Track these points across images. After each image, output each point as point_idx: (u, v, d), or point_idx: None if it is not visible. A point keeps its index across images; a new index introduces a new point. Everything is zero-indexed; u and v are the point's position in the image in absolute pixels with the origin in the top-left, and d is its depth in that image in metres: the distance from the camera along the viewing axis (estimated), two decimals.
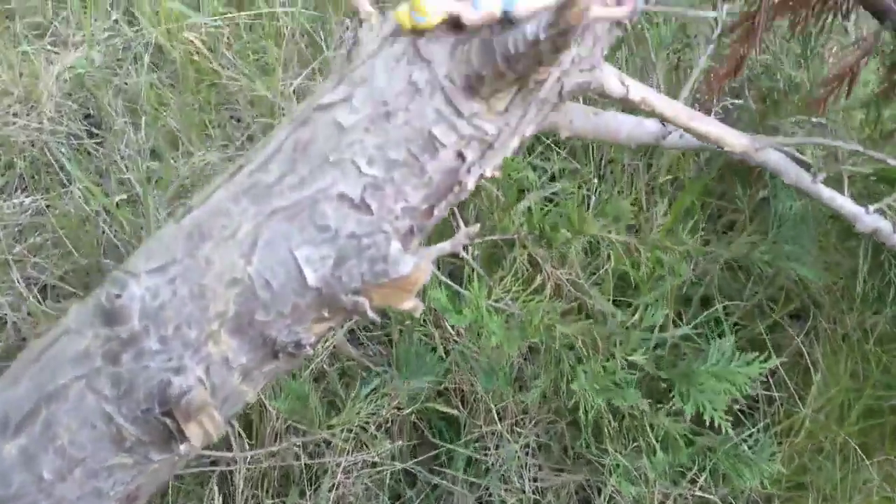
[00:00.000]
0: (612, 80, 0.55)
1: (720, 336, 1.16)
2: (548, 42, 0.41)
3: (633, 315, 1.04)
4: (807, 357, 1.11)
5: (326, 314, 0.51)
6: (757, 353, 0.83)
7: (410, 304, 0.50)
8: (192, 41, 1.41)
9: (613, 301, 1.06)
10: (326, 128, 0.48)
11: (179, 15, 1.42)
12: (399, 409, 1.07)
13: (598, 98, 0.62)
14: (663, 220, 0.92)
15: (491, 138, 0.50)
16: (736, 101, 0.77)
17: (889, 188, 0.69)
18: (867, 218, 0.69)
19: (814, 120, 0.63)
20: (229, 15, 1.36)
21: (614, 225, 0.87)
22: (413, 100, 0.47)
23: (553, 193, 0.99)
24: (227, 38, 1.45)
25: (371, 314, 0.50)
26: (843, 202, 0.68)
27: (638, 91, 0.56)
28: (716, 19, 0.61)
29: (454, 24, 0.46)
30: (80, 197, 1.29)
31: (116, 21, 1.55)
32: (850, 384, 1.08)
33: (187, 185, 1.29)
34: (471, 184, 0.52)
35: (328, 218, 0.48)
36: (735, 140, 0.59)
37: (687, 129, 0.58)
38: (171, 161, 1.32)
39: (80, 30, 1.55)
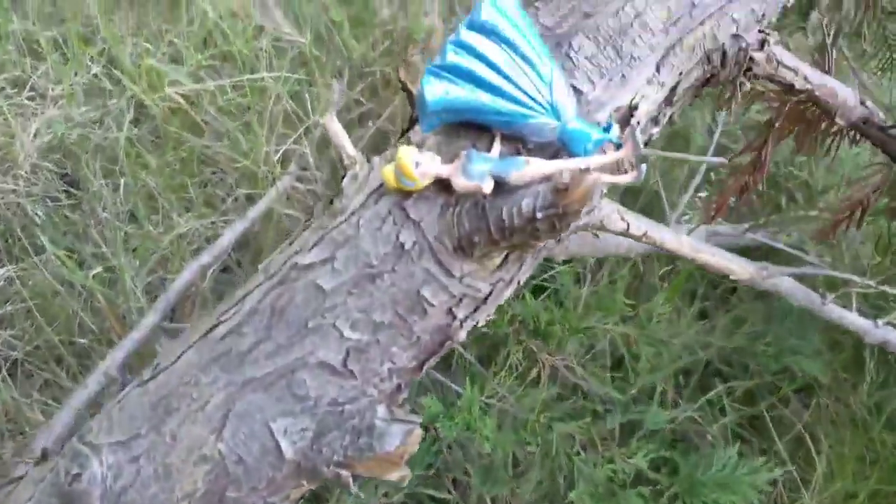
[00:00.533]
0: (613, 216, 0.51)
1: (721, 412, 1.13)
2: (545, 222, 0.37)
3: (631, 404, 1.01)
4: (810, 438, 1.07)
5: (306, 483, 0.46)
6: (764, 460, 0.78)
7: (397, 475, 0.46)
8: (173, 96, 1.37)
9: (611, 376, 1.02)
10: (306, 291, 0.44)
11: (161, 72, 1.38)
12: (387, 495, 1.03)
13: None
14: (662, 308, 0.88)
15: (484, 295, 0.46)
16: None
17: None
18: (876, 332, 0.66)
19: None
20: (210, 83, 1.31)
21: (610, 317, 0.84)
22: (400, 261, 0.43)
23: (549, 277, 0.95)
24: (212, 92, 1.41)
25: (354, 488, 0.45)
26: (853, 319, 0.65)
27: (639, 226, 0.52)
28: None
29: (444, 185, 0.42)
30: (55, 265, 1.24)
31: (96, 75, 1.51)
32: (856, 467, 1.04)
33: (167, 255, 1.24)
34: (463, 336, 0.48)
35: (307, 387, 0.44)
36: (741, 270, 0.56)
37: (692, 260, 0.55)
38: (150, 227, 1.27)
39: (59, 84, 1.51)
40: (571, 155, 0.41)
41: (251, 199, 1.27)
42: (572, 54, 0.42)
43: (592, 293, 0.93)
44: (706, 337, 0.92)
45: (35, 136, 1.45)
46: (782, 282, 0.59)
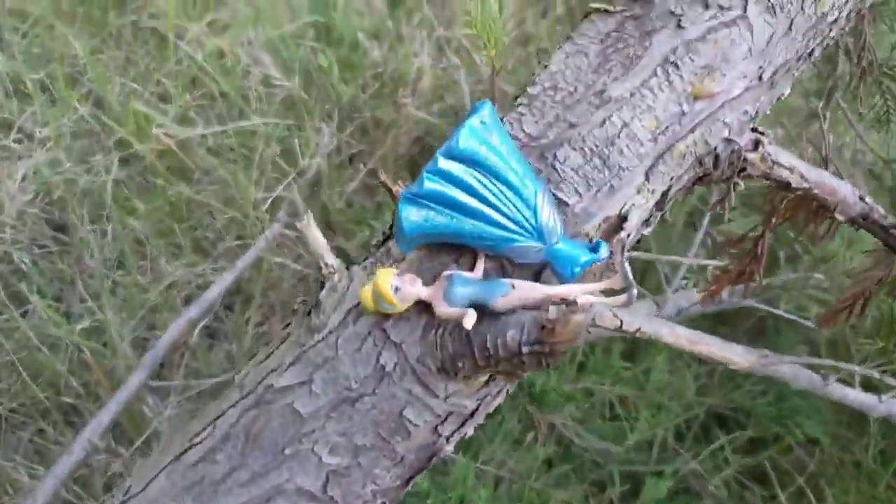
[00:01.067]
0: (605, 314, 0.49)
1: (725, 461, 1.10)
2: (531, 357, 0.35)
3: (631, 456, 0.98)
4: (814, 489, 1.04)
5: None
6: None
7: None
8: (162, 138, 1.35)
9: (609, 427, 1.00)
10: (282, 415, 0.41)
11: (147, 118, 1.36)
12: None
13: None
14: (659, 372, 0.85)
15: (470, 410, 0.43)
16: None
17: None
18: (880, 406, 0.64)
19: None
20: (199, 128, 1.30)
21: (608, 379, 0.81)
22: (381, 384, 0.41)
23: None
24: (201, 137, 1.39)
25: None
26: (856, 396, 0.63)
27: (632, 322, 0.50)
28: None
29: (426, 305, 0.40)
30: (41, 316, 1.22)
31: (84, 118, 1.49)
32: None
33: (156, 305, 1.22)
34: (451, 449, 0.45)
35: None
36: (741, 358, 0.54)
37: (690, 352, 0.52)
38: (138, 276, 1.25)
39: (46, 126, 1.49)
40: (559, 275, 0.39)
41: (242, 245, 1.25)
42: (558, 165, 0.40)
43: (589, 352, 0.91)
44: (704, 397, 0.89)
45: (23, 179, 1.43)
46: (783, 367, 0.56)
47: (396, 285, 0.38)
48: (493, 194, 0.36)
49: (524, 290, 0.37)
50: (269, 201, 1.23)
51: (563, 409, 0.83)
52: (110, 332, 1.16)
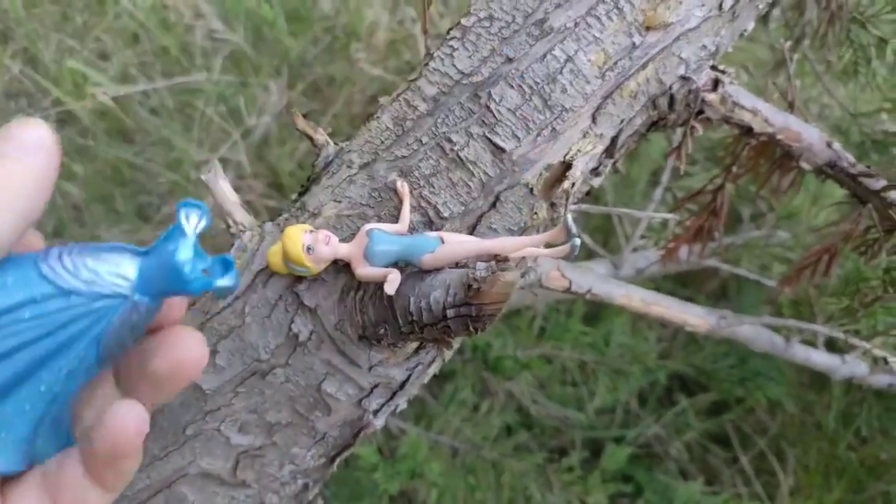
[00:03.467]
0: (553, 274, 0.45)
1: (687, 425, 1.09)
2: (457, 321, 0.31)
3: (594, 423, 0.96)
4: (777, 452, 1.04)
5: None
6: (724, 497, 0.74)
7: None
8: (101, 98, 1.27)
9: (572, 387, 0.97)
10: (182, 392, 0.36)
11: (84, 76, 1.27)
12: None
13: None
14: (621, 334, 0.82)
15: (399, 381, 0.39)
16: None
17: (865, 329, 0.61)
18: (843, 368, 0.61)
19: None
20: (140, 85, 1.22)
21: (566, 344, 0.78)
22: (295, 353, 0.36)
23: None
24: (143, 92, 1.31)
25: None
26: (819, 358, 0.60)
27: (582, 284, 0.46)
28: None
29: (345, 263, 0.35)
30: None
31: (16, 77, 1.39)
32: (821, 481, 1.01)
33: None
34: (381, 423, 0.41)
35: (189, 502, 0.37)
36: (699, 321, 0.50)
37: (646, 314, 0.49)
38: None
39: None
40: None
41: None
42: (493, 105, 0.35)
43: (549, 317, 0.88)
44: (666, 361, 0.87)
45: None
46: (742, 329, 0.53)
47: (308, 244, 0.33)
48: None
49: (453, 245, 0.33)
50: (214, 161, 1.16)
51: (519, 376, 0.79)
52: None
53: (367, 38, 1.24)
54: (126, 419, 0.27)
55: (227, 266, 0.30)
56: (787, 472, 1.03)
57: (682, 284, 1.08)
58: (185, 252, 0.29)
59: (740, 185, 0.62)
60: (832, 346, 0.65)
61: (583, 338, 0.78)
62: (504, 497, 0.74)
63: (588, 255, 0.71)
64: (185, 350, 0.29)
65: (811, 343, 0.62)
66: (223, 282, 0.30)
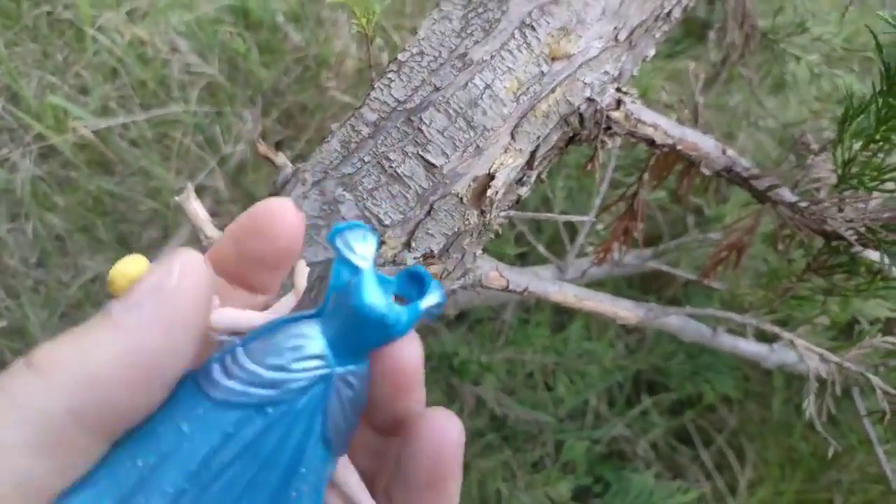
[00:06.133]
0: (492, 274, 0.50)
1: (652, 426, 1.14)
2: None
3: (564, 424, 1.01)
4: (736, 446, 1.09)
5: None
6: (678, 485, 0.79)
7: None
8: (81, 131, 1.32)
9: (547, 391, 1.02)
10: None
11: (65, 111, 1.32)
12: None
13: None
14: (576, 337, 0.88)
15: None
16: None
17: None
18: (772, 356, 0.67)
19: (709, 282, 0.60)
20: (119, 118, 1.27)
21: (529, 348, 0.83)
22: None
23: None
24: (122, 124, 1.36)
25: None
26: (747, 347, 0.66)
27: (519, 282, 0.51)
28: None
29: None
30: None
31: (0, 112, 1.44)
32: (779, 473, 1.06)
33: (78, 301, 1.19)
34: None
35: None
36: (629, 314, 0.56)
37: (580, 309, 0.54)
38: (60, 273, 1.22)
39: None
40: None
41: (165, 236, 1.23)
42: (424, 128, 0.41)
43: (518, 323, 0.93)
44: (624, 361, 0.92)
45: None
46: (670, 320, 0.59)
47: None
48: None
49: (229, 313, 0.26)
50: (192, 188, 1.21)
51: (484, 380, 0.84)
52: (31, 331, 1.13)
53: (336, 67, 1.31)
54: (447, 426, 0.24)
55: (418, 279, 0.25)
56: (746, 465, 1.08)
57: (643, 291, 1.14)
58: (372, 295, 0.23)
59: (684, 196, 0.68)
60: (765, 337, 0.71)
61: (543, 342, 0.84)
62: (474, 494, 0.79)
63: (538, 260, 0.77)
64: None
65: (742, 334, 0.68)
66: (430, 301, 0.24)
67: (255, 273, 0.27)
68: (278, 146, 1.40)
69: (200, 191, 1.22)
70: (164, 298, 0.22)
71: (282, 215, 0.26)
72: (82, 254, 1.23)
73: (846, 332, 0.76)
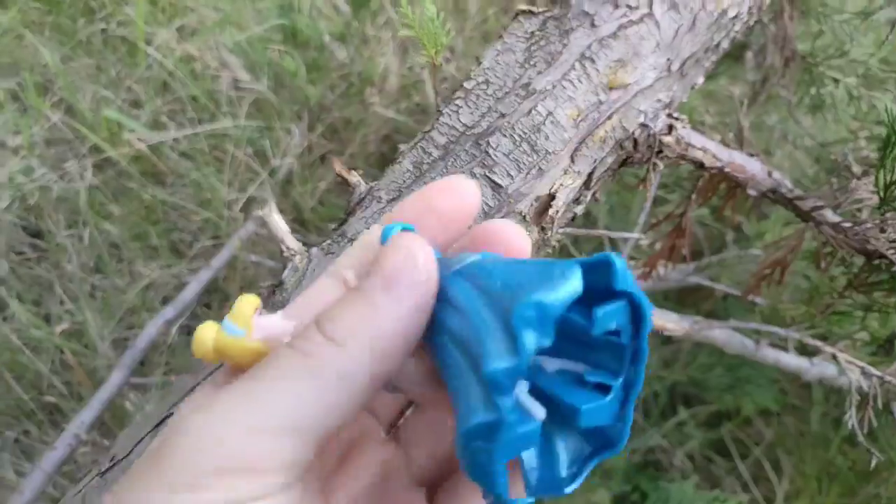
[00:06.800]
0: None
1: (688, 438, 1.16)
2: None
3: None
4: (773, 459, 1.10)
5: None
6: (717, 494, 0.81)
7: None
8: (135, 143, 1.38)
9: None
10: None
11: (119, 124, 1.38)
12: None
13: None
14: None
15: None
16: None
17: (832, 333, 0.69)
18: (812, 370, 0.69)
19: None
20: (171, 132, 1.33)
21: None
22: None
23: None
24: (173, 140, 1.42)
25: None
26: (788, 360, 0.68)
27: None
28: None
29: None
30: (22, 321, 1.24)
31: (56, 125, 1.51)
32: (816, 486, 1.07)
33: (135, 306, 1.25)
34: None
35: None
36: (675, 325, 0.58)
37: None
38: (117, 279, 1.28)
39: (19, 134, 1.51)
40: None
41: (217, 245, 1.28)
42: (491, 151, 0.44)
43: None
44: (664, 371, 0.94)
45: None
46: (715, 333, 0.61)
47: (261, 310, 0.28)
48: None
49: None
50: (242, 201, 1.26)
51: None
52: (90, 334, 1.19)
53: (380, 84, 1.35)
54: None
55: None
56: (783, 478, 1.09)
57: (681, 304, 1.17)
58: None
59: (724, 215, 0.71)
60: (806, 351, 0.73)
61: None
62: None
63: None
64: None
65: (784, 348, 0.70)
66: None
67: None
68: (322, 159, 1.45)
69: (250, 202, 1.27)
70: (416, 286, 0.25)
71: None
72: (137, 261, 1.29)
73: (885, 348, 0.77)
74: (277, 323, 0.27)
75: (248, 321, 0.26)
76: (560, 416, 0.25)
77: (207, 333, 0.26)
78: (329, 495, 0.29)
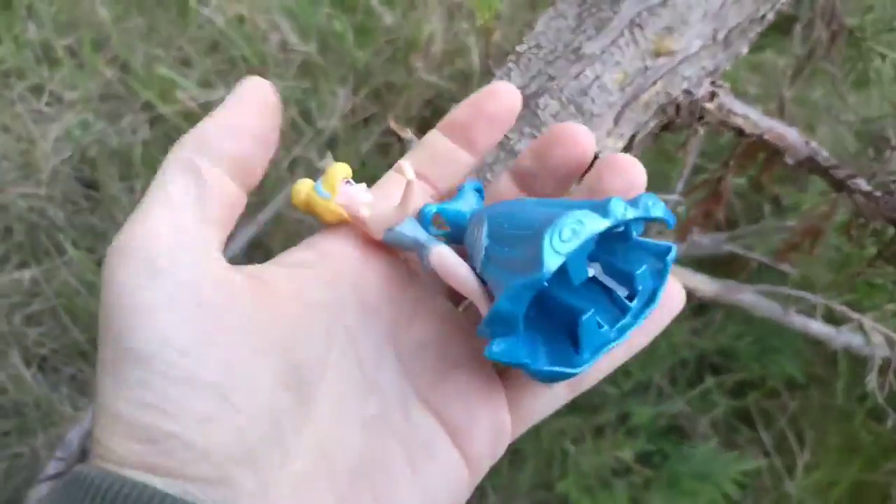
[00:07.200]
0: None
1: (714, 406, 1.18)
2: None
3: (627, 398, 1.06)
4: (796, 430, 1.12)
5: None
6: (737, 454, 0.84)
7: None
8: (186, 102, 1.43)
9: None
10: None
11: (171, 81, 1.43)
12: None
13: None
14: None
15: None
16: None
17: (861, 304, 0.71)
18: (840, 337, 0.71)
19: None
20: (220, 91, 1.37)
21: None
22: None
23: None
24: (222, 97, 1.46)
25: None
26: (816, 327, 0.70)
27: None
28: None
29: None
30: (77, 266, 1.31)
31: (110, 82, 1.56)
32: (838, 458, 1.09)
33: None
34: None
35: None
36: (706, 287, 0.61)
37: None
38: None
39: (75, 90, 1.57)
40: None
41: (262, 202, 1.33)
42: (539, 111, 0.47)
43: None
44: (694, 337, 0.97)
45: (54, 140, 1.52)
46: (745, 296, 0.64)
47: (349, 180, 0.31)
48: None
49: (453, 268, 0.30)
50: (288, 161, 1.30)
51: None
52: None
53: (425, 49, 1.37)
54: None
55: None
56: (805, 448, 1.11)
57: (714, 274, 1.18)
58: None
59: (764, 185, 0.73)
60: (834, 320, 0.75)
61: None
62: (542, 448, 0.86)
63: None
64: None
65: (812, 317, 0.72)
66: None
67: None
68: (366, 122, 1.48)
69: (295, 162, 1.31)
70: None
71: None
72: None
73: None
74: (360, 193, 0.31)
75: (334, 186, 0.30)
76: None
77: (302, 188, 0.31)
78: (397, 338, 0.31)
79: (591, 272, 0.29)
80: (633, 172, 0.32)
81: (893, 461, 1.07)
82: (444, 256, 0.29)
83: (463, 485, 0.30)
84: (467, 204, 0.32)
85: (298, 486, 0.25)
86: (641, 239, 0.29)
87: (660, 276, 0.29)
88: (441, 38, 1.38)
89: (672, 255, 0.29)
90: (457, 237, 0.32)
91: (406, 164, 0.30)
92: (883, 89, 0.82)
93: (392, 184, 0.34)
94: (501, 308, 0.25)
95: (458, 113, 0.35)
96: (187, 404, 0.24)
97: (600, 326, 0.28)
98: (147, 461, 0.24)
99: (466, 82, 1.44)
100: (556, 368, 0.27)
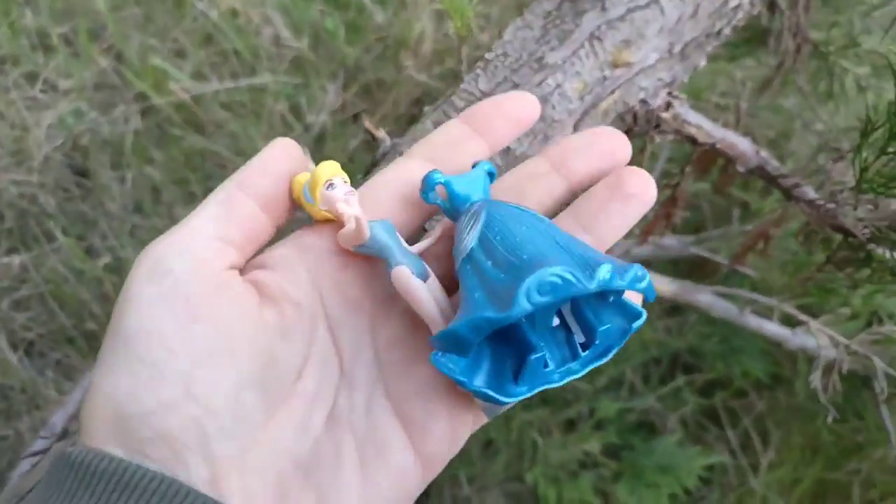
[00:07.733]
0: None
1: (683, 403, 1.22)
2: None
3: (599, 394, 1.10)
4: (761, 429, 1.16)
5: None
6: (699, 449, 0.87)
7: None
8: (179, 93, 1.45)
9: None
10: None
11: (164, 72, 1.45)
12: None
13: None
14: None
15: None
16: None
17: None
18: (794, 339, 0.74)
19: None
20: (213, 84, 1.39)
21: None
22: None
23: None
24: (215, 91, 1.49)
25: None
26: (771, 328, 0.73)
27: None
28: None
29: None
30: (66, 253, 1.33)
31: (105, 71, 1.58)
32: (800, 457, 1.13)
33: None
34: None
35: None
36: (666, 287, 0.64)
37: None
38: (156, 218, 1.36)
39: (70, 78, 1.58)
40: None
41: None
42: None
43: None
44: (667, 337, 1.00)
45: (47, 128, 1.54)
46: (703, 297, 0.67)
47: (332, 182, 0.32)
48: None
49: (410, 293, 0.31)
50: None
51: None
52: (128, 269, 1.28)
53: (415, 48, 1.40)
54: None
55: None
56: (769, 448, 1.15)
57: (688, 277, 1.22)
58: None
59: (723, 188, 0.76)
60: (791, 323, 0.78)
61: None
62: (513, 436, 0.89)
63: None
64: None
65: (769, 317, 0.75)
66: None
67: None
68: (355, 118, 1.51)
69: None
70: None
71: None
72: (176, 204, 1.37)
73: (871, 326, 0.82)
74: (338, 201, 0.31)
75: (315, 191, 0.32)
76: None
77: (296, 187, 0.33)
78: (375, 332, 0.33)
79: (555, 321, 0.30)
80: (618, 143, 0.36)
81: (855, 461, 1.11)
82: (402, 278, 0.30)
83: (413, 485, 0.31)
84: (475, 188, 0.33)
85: (247, 480, 0.27)
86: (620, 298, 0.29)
87: (621, 336, 0.29)
88: (431, 37, 1.41)
89: (640, 323, 0.29)
90: (452, 215, 0.33)
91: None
92: (848, 103, 0.85)
93: (440, 138, 0.37)
94: (460, 331, 0.26)
95: (480, 106, 0.37)
96: (154, 388, 0.27)
97: (546, 366, 0.28)
98: (114, 438, 0.26)
99: (455, 82, 1.47)
100: (489, 392, 0.27)
